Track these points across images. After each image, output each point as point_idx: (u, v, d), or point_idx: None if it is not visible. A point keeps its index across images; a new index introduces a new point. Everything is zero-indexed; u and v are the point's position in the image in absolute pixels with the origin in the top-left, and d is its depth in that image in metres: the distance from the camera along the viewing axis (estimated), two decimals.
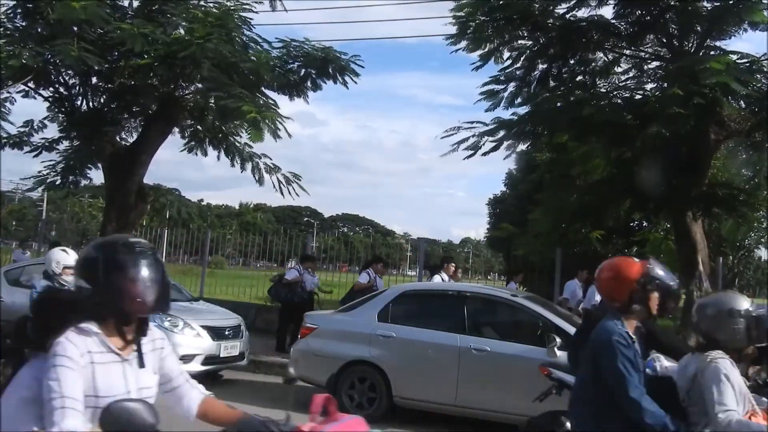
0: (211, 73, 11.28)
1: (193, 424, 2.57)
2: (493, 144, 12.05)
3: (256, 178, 14.68)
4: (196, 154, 15.00)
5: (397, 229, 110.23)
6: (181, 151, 14.96)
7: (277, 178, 14.33)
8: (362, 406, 7.44)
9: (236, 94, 11.17)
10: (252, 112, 10.89)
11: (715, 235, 17.62)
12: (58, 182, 14.63)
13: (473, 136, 12.01)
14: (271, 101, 12.62)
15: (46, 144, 14.11)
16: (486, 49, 12.20)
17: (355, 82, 13.22)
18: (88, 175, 15.01)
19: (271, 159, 14.55)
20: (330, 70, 12.90)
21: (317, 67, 12.89)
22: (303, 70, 13.08)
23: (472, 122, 12.04)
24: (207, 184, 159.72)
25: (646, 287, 3.33)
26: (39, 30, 12.11)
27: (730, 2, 10.43)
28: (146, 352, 2.42)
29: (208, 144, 14.71)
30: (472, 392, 7.14)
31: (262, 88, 12.80)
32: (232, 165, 14.77)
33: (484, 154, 12.10)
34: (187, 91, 13.51)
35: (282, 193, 14.32)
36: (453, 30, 11.90)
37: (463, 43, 12.11)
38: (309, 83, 13.21)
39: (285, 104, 13.26)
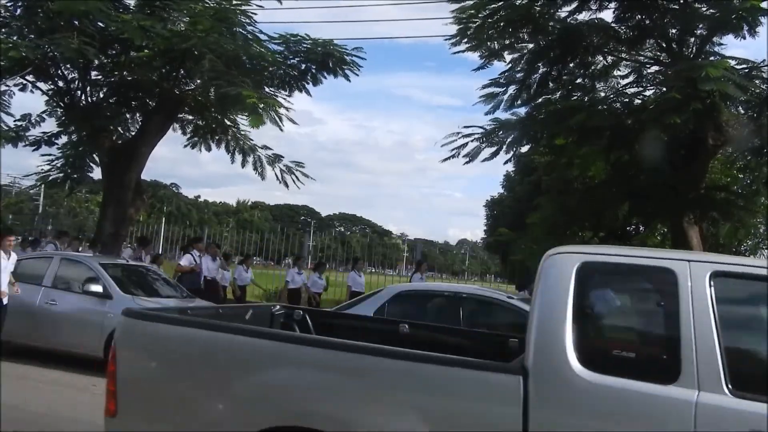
0: (213, 63, 11.30)
1: None
2: (493, 150, 12.13)
3: (258, 172, 14.71)
4: (200, 150, 15.05)
5: (394, 229, 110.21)
6: (185, 146, 15.01)
7: (280, 169, 14.36)
8: None
9: (236, 82, 11.21)
10: (252, 97, 10.93)
11: (712, 240, 17.64)
12: (59, 180, 14.63)
13: (472, 141, 12.08)
14: (271, 93, 12.68)
15: (45, 138, 14.09)
16: (486, 51, 12.23)
17: (357, 74, 13.22)
18: (88, 172, 15.02)
19: (272, 149, 14.59)
20: (330, 64, 12.90)
21: (317, 61, 12.90)
22: (303, 65, 13.09)
23: (470, 126, 12.14)
24: (204, 182, 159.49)
25: None
26: (39, 23, 12.09)
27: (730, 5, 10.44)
28: None
29: (210, 138, 14.74)
30: None
31: (263, 82, 12.83)
32: (232, 161, 14.81)
33: (484, 160, 12.21)
34: (187, 87, 13.52)
35: (285, 184, 14.37)
36: (451, 31, 11.96)
37: (464, 46, 12.16)
38: (309, 77, 13.22)
39: (284, 101, 13.34)
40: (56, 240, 12.98)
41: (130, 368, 3.56)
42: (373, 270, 19.89)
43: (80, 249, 13.21)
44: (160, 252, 14.90)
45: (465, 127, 12.21)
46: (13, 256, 8.81)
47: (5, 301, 8.50)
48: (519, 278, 12.03)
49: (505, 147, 12.07)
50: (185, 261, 11.78)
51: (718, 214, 12.56)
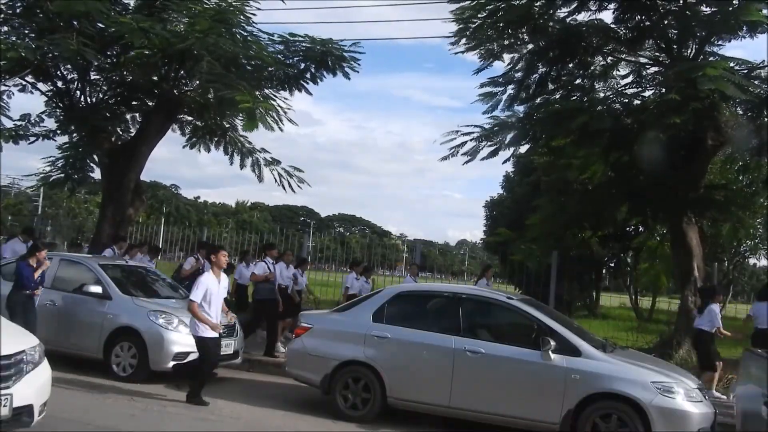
0: (211, 66, 11.28)
1: None
2: (492, 149, 12.15)
3: (257, 174, 14.71)
4: (199, 150, 15.03)
5: (393, 230, 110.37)
6: (184, 147, 15.00)
7: (278, 172, 14.35)
8: (356, 407, 7.43)
9: (234, 85, 11.19)
10: (246, 102, 10.92)
11: (710, 242, 17.67)
12: (60, 180, 14.62)
13: (471, 140, 12.09)
14: (270, 95, 12.66)
15: (43, 133, 14.05)
16: (485, 52, 12.24)
17: (356, 71, 13.17)
18: (89, 172, 15.00)
19: (270, 153, 14.59)
20: (329, 62, 12.87)
21: (316, 60, 12.88)
22: (302, 64, 13.07)
23: (470, 125, 12.17)
24: (203, 182, 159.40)
25: None
26: (38, 23, 12.08)
27: (729, 9, 10.46)
28: None
29: (209, 140, 14.74)
30: (465, 394, 7.13)
31: (262, 83, 12.81)
32: (231, 162, 14.81)
33: (483, 159, 12.21)
34: (186, 88, 13.51)
35: (283, 187, 14.36)
36: (451, 32, 11.96)
37: (463, 47, 12.17)
38: (308, 76, 13.19)
39: (283, 102, 13.35)
40: (114, 245, 12.66)
41: None
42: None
43: (140, 256, 12.72)
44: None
45: (464, 126, 12.25)
46: (225, 279, 7.97)
47: (215, 332, 7.58)
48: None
49: (504, 146, 12.08)
50: (259, 269, 11.12)
51: (716, 213, 12.57)
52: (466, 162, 12.39)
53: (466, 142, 12.15)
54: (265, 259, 11.29)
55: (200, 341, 7.57)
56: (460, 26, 11.76)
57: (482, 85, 12.49)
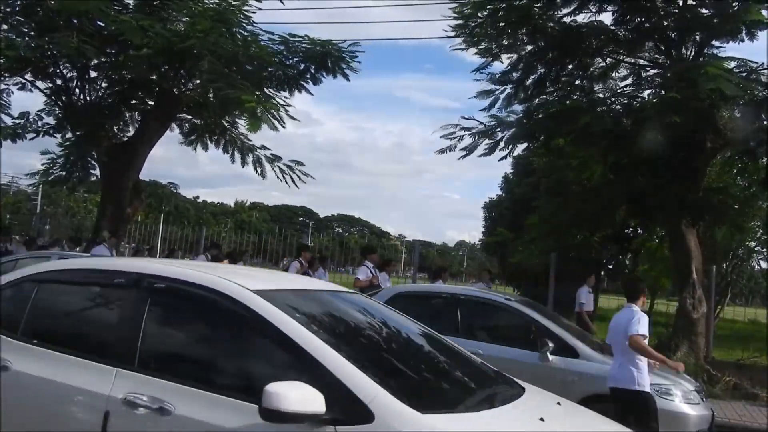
0: (212, 65, 11.29)
1: None
2: (490, 146, 12.13)
3: (258, 171, 14.72)
4: (195, 149, 15.03)
5: (392, 230, 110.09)
6: (181, 143, 15.01)
7: (280, 168, 14.36)
8: None
9: (236, 85, 11.21)
10: (251, 101, 10.94)
11: (709, 244, 17.68)
12: (61, 178, 14.64)
13: (469, 135, 12.09)
14: (271, 94, 12.68)
15: (44, 129, 14.06)
16: (485, 51, 12.24)
17: (355, 72, 13.18)
18: (91, 170, 15.01)
19: (270, 150, 14.61)
20: (329, 63, 12.88)
21: (316, 61, 12.89)
22: (302, 65, 13.09)
23: (469, 118, 12.14)
24: (202, 182, 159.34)
25: None
26: (38, 21, 12.08)
27: (729, 11, 10.47)
28: None
29: (208, 138, 14.75)
30: None
31: (263, 83, 12.82)
32: (232, 161, 14.81)
33: (481, 155, 12.20)
34: (186, 87, 13.50)
35: (286, 183, 14.38)
36: (450, 33, 11.95)
37: (463, 43, 12.16)
38: (308, 77, 13.20)
39: (283, 103, 13.37)
40: (207, 252, 12.53)
41: None
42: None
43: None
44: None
45: (464, 118, 12.21)
46: None
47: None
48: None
49: (502, 143, 12.08)
50: (363, 275, 10.45)
51: (715, 215, 12.57)
52: (463, 156, 12.32)
53: (464, 136, 12.15)
54: (365, 263, 10.79)
55: (645, 401, 5.46)
56: (460, 22, 11.76)
57: (479, 76, 12.44)
